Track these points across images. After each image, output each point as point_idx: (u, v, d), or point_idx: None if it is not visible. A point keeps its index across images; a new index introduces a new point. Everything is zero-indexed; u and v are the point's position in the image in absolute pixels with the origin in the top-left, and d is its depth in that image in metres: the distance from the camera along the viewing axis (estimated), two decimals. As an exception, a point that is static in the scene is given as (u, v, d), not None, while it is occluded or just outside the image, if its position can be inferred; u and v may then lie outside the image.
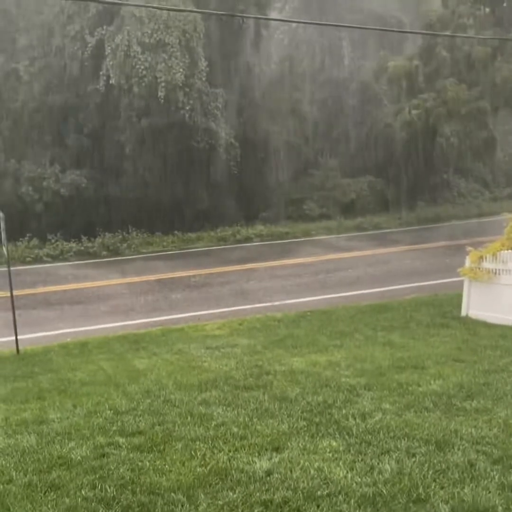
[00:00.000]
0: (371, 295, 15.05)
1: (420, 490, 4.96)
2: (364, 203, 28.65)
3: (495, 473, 5.26)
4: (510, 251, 11.73)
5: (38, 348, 11.86)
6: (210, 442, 6.09)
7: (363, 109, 30.14)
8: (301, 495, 4.94)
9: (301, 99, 28.90)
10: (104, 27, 23.76)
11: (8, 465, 5.86)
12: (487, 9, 24.31)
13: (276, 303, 14.80)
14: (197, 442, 6.09)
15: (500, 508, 4.71)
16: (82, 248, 22.80)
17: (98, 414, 7.16)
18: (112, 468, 5.57)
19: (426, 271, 17.66)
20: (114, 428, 6.62)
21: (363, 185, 29.09)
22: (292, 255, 21.28)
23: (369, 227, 26.26)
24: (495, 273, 11.85)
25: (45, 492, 5.17)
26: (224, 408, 7.11)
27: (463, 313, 12.28)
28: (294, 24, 31.30)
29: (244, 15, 22.00)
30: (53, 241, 22.83)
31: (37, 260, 21.86)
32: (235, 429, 6.37)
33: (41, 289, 17.56)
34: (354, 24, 28.87)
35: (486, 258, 12.03)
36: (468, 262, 12.32)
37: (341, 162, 30.09)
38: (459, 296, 12.52)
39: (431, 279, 16.25)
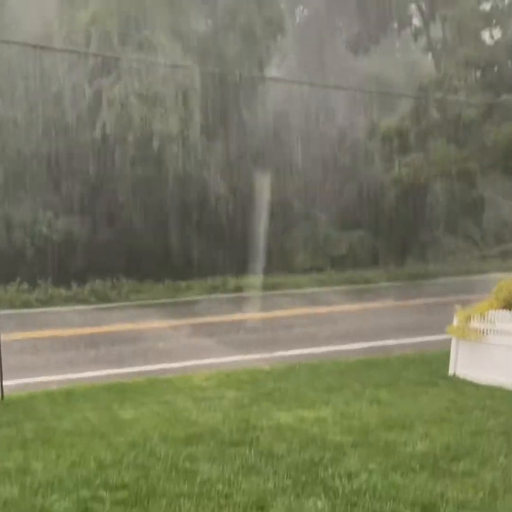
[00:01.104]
0: (358, 351, 15.04)
1: (406, 554, 4.94)
2: (355, 256, 28.87)
3: (480, 538, 5.25)
4: (498, 311, 11.83)
5: (23, 394, 11.75)
6: (194, 498, 6.04)
7: (355, 165, 30.65)
8: (285, 557, 4.90)
9: (294, 154, 29.37)
10: (103, 78, 24.26)
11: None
12: (478, 73, 25.03)
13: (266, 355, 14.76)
14: (182, 499, 6.04)
15: None
16: (71, 294, 22.74)
17: (82, 466, 7.10)
18: (95, 523, 5.52)
19: (413, 327, 17.71)
20: (98, 481, 6.56)
21: (353, 239, 29.35)
22: (282, 306, 21.31)
23: (359, 281, 26.40)
24: (483, 332, 11.92)
25: (25, 547, 5.11)
26: (210, 463, 7.07)
27: (451, 372, 12.30)
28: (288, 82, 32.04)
29: (241, 74, 22.57)
30: (43, 286, 22.78)
31: (27, 304, 21.77)
32: (220, 486, 6.33)
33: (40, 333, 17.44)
34: (348, 83, 29.74)
35: (474, 317, 12.11)
36: (455, 320, 12.39)
37: (333, 216, 30.44)
38: (447, 354, 12.54)
39: (418, 336, 16.27)
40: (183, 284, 24.70)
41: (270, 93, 29.72)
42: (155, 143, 23.11)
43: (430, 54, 31.57)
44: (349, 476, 6.57)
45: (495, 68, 23.87)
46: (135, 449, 7.69)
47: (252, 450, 7.49)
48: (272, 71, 30.40)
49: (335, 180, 30.74)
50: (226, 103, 26.80)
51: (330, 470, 6.73)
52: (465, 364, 12.14)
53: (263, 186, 27.86)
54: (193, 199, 25.37)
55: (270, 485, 6.35)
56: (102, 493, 6.21)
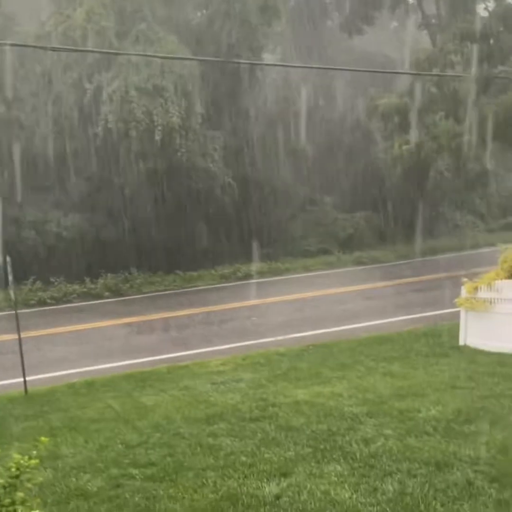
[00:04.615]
0: (371, 327, 15.30)
1: (422, 507, 5.24)
2: (362, 237, 29.05)
3: (492, 490, 5.53)
4: (504, 280, 12.07)
5: (45, 388, 12.08)
6: (220, 470, 6.36)
7: (357, 146, 30.76)
8: (309, 516, 5.21)
9: (297, 138, 29.52)
10: (102, 73, 24.44)
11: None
12: (474, 46, 25.03)
13: (280, 337, 15.05)
14: (208, 471, 6.36)
15: (497, 522, 4.97)
16: (85, 289, 23.08)
17: (110, 448, 7.42)
18: (128, 497, 5.84)
19: (424, 302, 17.94)
20: (127, 460, 6.88)
21: (359, 220, 29.53)
22: (292, 290, 21.56)
23: (367, 261, 26.62)
24: (491, 302, 12.17)
25: (65, 521, 5.44)
26: (232, 439, 7.38)
27: (461, 342, 12.57)
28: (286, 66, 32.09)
29: (238, 61, 22.69)
30: (56, 283, 23.12)
31: (41, 303, 22.12)
32: (244, 458, 6.64)
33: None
34: (345, 63, 29.76)
35: (481, 288, 12.37)
36: (464, 292, 12.64)
37: (338, 198, 30.62)
38: (457, 326, 12.82)
39: (429, 311, 16.50)
40: (194, 274, 24.98)
41: (269, 79, 29.84)
42: (158, 136, 23.30)
43: (425, 30, 31.55)
44: (366, 442, 6.87)
45: (491, 41, 23.86)
46: (159, 431, 8.01)
47: (272, 425, 7.79)
48: (268, 57, 30.48)
49: (339, 162, 30.89)
50: (226, 91, 26.94)
51: (347, 438, 7.03)
52: (475, 334, 12.40)
53: (268, 173, 28.08)
54: (199, 190, 25.59)
55: (291, 454, 6.66)
56: (132, 470, 6.53)
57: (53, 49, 22.29)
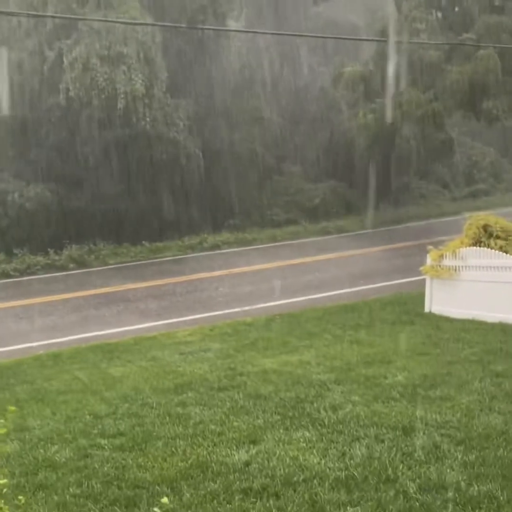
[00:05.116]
0: (338, 296, 15.42)
1: (389, 471, 5.32)
2: (328, 207, 29.10)
3: (458, 453, 5.64)
4: (469, 248, 12.23)
5: (11, 361, 11.94)
6: (189, 439, 6.37)
7: (323, 115, 30.65)
8: (278, 481, 5.27)
9: (262, 107, 29.30)
10: (62, 40, 23.88)
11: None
12: (439, 14, 25.02)
13: (246, 308, 15.08)
14: (177, 440, 6.37)
15: (463, 483, 5.08)
16: (49, 261, 22.78)
17: (78, 419, 7.38)
18: (97, 466, 5.83)
19: (390, 271, 18.11)
20: (95, 431, 6.86)
21: (326, 190, 29.55)
22: (259, 261, 21.58)
23: (334, 231, 26.73)
24: (455, 269, 12.33)
25: (33, 492, 5.41)
26: (201, 408, 7.39)
27: (427, 309, 12.75)
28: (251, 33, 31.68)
29: (202, 27, 22.33)
30: (19, 255, 22.77)
31: (4, 275, 21.79)
32: (213, 426, 6.66)
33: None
34: (311, 31, 29.48)
35: (446, 256, 12.52)
36: (429, 260, 12.79)
37: (304, 168, 30.55)
38: (422, 294, 12.98)
39: (395, 279, 16.68)
40: (160, 245, 24.81)
41: (234, 46, 29.45)
42: (121, 104, 22.91)
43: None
44: (334, 408, 6.94)
45: (455, 8, 23.87)
46: (127, 401, 7.98)
47: (241, 393, 7.82)
48: (232, 23, 30.03)
49: (305, 131, 30.78)
50: (191, 59, 26.55)
51: (315, 405, 7.09)
52: (440, 301, 12.58)
53: (234, 142, 27.84)
54: (164, 159, 25.29)
55: (260, 421, 6.70)
56: (101, 441, 6.51)
57: (11, 14, 21.65)
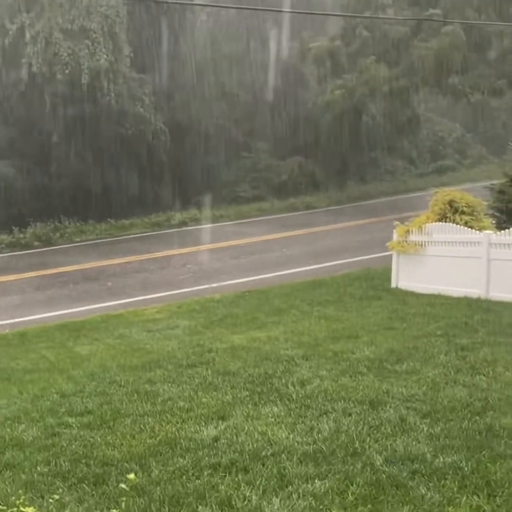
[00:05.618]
0: (306, 273, 15.49)
1: (356, 444, 5.38)
2: (295, 183, 29.11)
3: (424, 426, 5.73)
4: (434, 223, 12.34)
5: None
6: (157, 416, 6.36)
7: (290, 91, 30.51)
8: (247, 456, 5.29)
9: (229, 82, 29.06)
10: (24, 14, 23.33)
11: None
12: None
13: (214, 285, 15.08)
14: (145, 417, 6.36)
15: (428, 455, 5.16)
16: (14, 239, 22.46)
17: (45, 398, 7.32)
18: (65, 445, 5.80)
19: (357, 247, 18.24)
20: (63, 409, 6.81)
21: (293, 166, 29.52)
22: (226, 237, 21.53)
23: (301, 207, 26.77)
24: (421, 245, 12.45)
25: (0, 471, 5.37)
26: (169, 385, 7.38)
27: (393, 285, 12.86)
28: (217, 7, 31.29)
29: (167, 0, 21.94)
30: (-18, 233, 22.42)
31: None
32: (181, 403, 6.66)
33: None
34: (278, 5, 29.16)
35: (412, 231, 12.62)
36: (395, 236, 12.88)
37: (271, 144, 30.47)
38: (389, 270, 13.09)
39: (362, 255, 16.80)
40: (126, 222, 24.60)
41: (199, 21, 29.10)
42: (85, 79, 22.53)
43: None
44: (302, 383, 6.98)
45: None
46: (95, 379, 7.93)
47: (209, 370, 7.82)
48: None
49: (272, 107, 30.60)
50: (156, 34, 26.18)
51: (283, 380, 7.13)
52: (406, 277, 12.70)
53: (200, 118, 27.60)
54: (129, 135, 25.01)
55: (229, 397, 6.72)
56: (68, 419, 6.46)
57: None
